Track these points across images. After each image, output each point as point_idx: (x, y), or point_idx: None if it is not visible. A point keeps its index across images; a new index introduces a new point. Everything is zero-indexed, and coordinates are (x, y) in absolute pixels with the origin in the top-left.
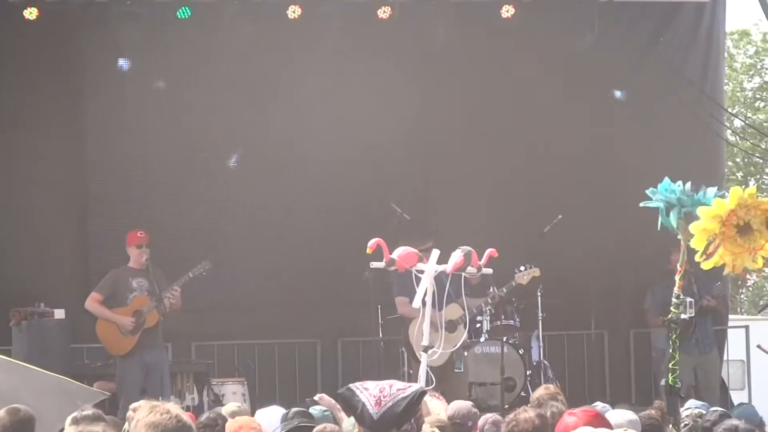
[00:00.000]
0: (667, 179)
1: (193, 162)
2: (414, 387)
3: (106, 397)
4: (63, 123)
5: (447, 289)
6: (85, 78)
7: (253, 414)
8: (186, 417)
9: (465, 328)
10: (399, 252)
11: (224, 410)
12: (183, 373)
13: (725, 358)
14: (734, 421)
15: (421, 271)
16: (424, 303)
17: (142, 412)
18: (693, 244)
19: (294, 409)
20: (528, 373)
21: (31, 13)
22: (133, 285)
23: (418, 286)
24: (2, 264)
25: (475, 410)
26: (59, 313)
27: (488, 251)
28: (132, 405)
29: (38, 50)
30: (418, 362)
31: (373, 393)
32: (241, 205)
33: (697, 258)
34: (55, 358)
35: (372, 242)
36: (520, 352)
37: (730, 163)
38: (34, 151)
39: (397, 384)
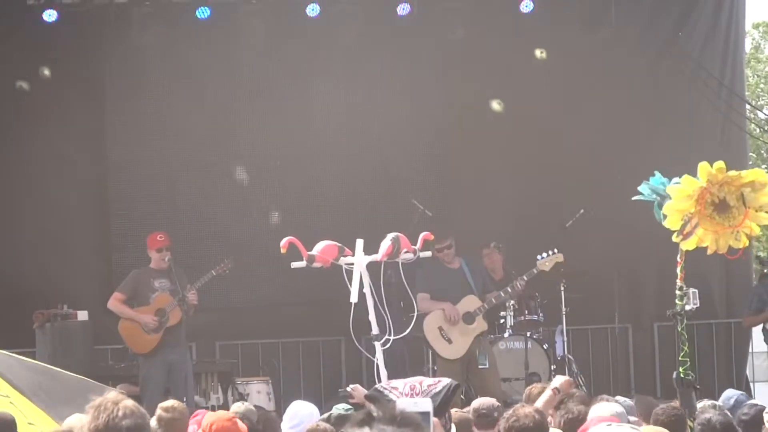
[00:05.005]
0: (657, 173)
1: (214, 161)
2: (445, 381)
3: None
4: (84, 124)
5: (401, 278)
6: (106, 79)
7: (281, 412)
8: (131, 406)
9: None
10: (319, 247)
11: (233, 409)
12: (207, 373)
13: (750, 350)
14: (708, 414)
15: (351, 264)
16: (370, 294)
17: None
18: (667, 224)
19: (335, 414)
20: (552, 368)
21: (50, 15)
22: (155, 285)
23: (350, 280)
24: (25, 266)
25: (499, 404)
26: (82, 315)
27: (422, 234)
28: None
29: (58, 52)
30: (438, 357)
31: (403, 392)
32: (263, 204)
33: (674, 238)
34: (78, 360)
35: (284, 241)
36: (545, 347)
37: (753, 155)
38: (56, 152)
39: (427, 380)
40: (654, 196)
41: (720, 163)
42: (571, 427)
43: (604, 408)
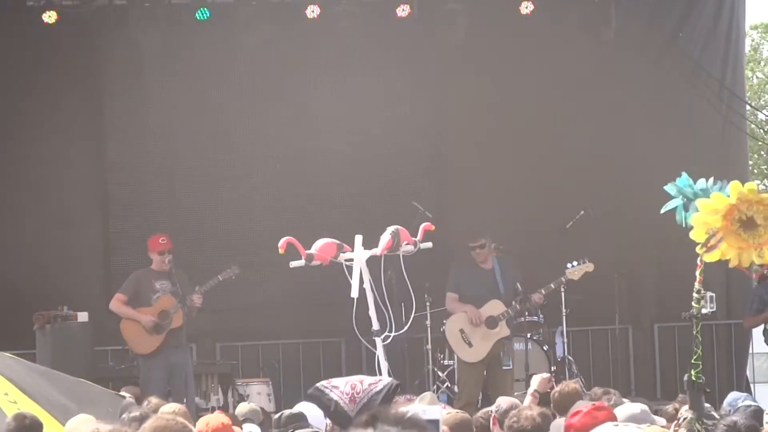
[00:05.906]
0: (684, 174)
1: (214, 163)
2: (386, 380)
3: (123, 399)
4: (84, 126)
5: (391, 273)
6: (105, 80)
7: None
8: (189, 423)
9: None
10: (317, 245)
11: (238, 410)
12: (207, 374)
13: (750, 351)
14: (734, 417)
15: (351, 260)
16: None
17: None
18: (692, 235)
19: (286, 413)
20: (553, 369)
21: (50, 17)
22: (156, 286)
23: (351, 276)
24: (25, 268)
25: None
26: (82, 316)
27: (423, 225)
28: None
29: (57, 53)
30: (459, 359)
31: (344, 390)
32: (263, 206)
33: (697, 250)
34: (78, 361)
35: (282, 242)
36: (545, 348)
37: (754, 156)
38: (56, 154)
39: (368, 379)
40: (681, 197)
41: (752, 184)
42: None
43: (626, 409)
